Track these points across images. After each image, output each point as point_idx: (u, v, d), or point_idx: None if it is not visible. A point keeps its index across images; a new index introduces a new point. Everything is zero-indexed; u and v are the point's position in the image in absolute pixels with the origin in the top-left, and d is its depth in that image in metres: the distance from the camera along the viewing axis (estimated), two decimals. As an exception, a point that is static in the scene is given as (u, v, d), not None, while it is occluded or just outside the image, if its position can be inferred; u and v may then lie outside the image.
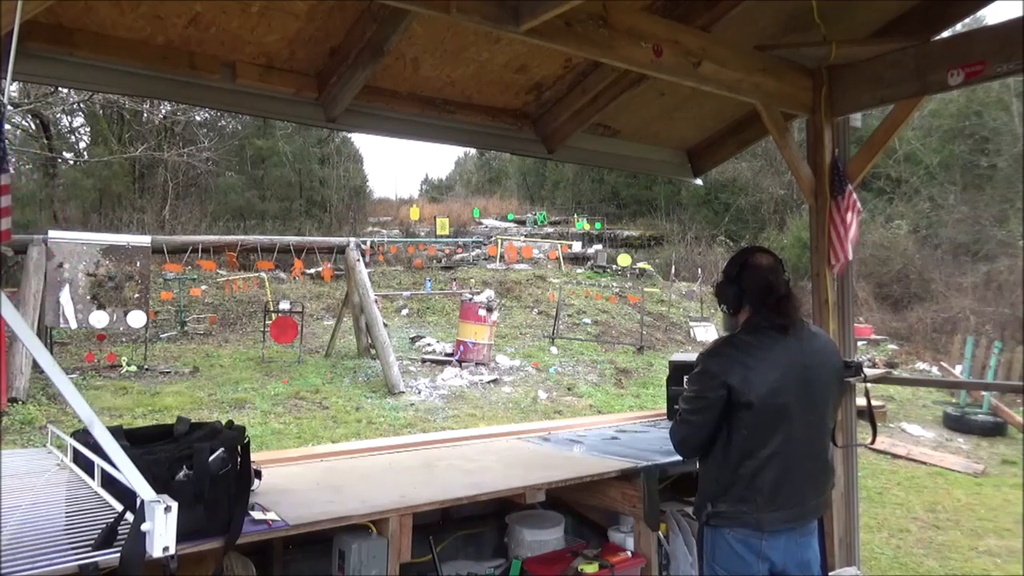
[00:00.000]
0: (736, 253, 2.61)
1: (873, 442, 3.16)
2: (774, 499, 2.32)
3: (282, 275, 16.64)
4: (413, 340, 14.33)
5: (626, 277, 19.71)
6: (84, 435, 2.21)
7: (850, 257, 3.56)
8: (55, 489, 2.26)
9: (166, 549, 1.70)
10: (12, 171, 1.72)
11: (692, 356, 2.79)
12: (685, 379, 2.51)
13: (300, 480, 2.75)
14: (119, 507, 1.90)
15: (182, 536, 1.77)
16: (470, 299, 13.18)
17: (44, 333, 10.44)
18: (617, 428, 4.08)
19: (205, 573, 2.08)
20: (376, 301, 12.27)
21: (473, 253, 21.26)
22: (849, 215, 3.54)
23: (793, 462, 2.34)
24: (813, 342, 2.46)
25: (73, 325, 10.19)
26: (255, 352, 12.83)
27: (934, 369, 13.92)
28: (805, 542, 2.44)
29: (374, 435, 8.76)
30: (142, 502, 1.72)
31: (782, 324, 2.39)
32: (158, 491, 1.75)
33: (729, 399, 2.31)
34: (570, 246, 22.23)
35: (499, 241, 21.23)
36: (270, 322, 12.53)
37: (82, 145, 22.33)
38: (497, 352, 13.36)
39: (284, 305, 13.59)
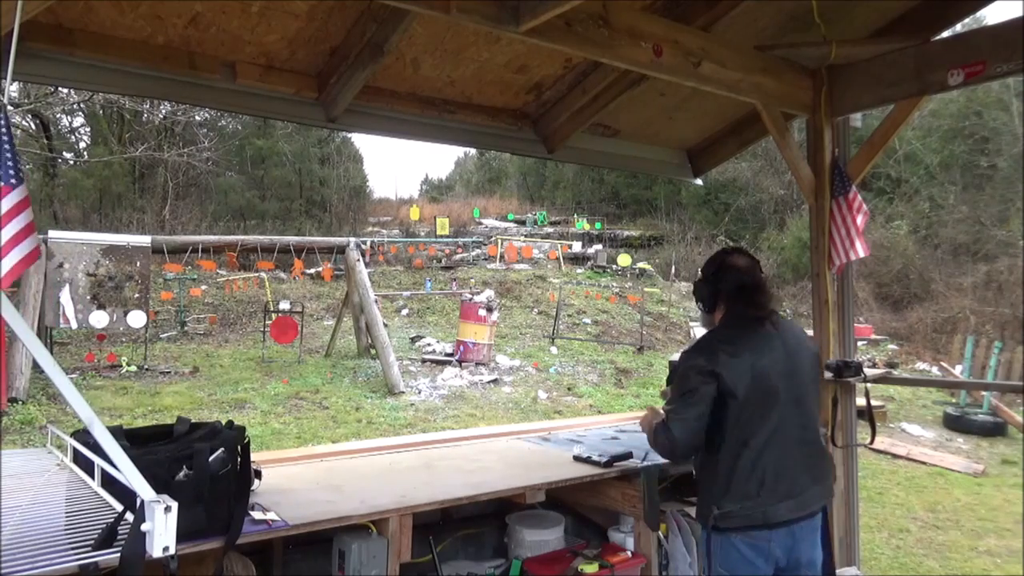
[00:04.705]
0: (714, 254, 2.68)
1: (872, 442, 3.17)
2: (776, 488, 2.34)
3: (282, 275, 16.63)
4: (413, 340, 14.33)
5: (626, 277, 19.70)
6: (84, 435, 2.20)
7: (860, 254, 3.55)
8: (55, 489, 2.26)
9: (166, 549, 1.71)
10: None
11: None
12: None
13: (300, 480, 2.74)
14: (119, 507, 1.89)
15: (182, 536, 1.77)
16: (470, 299, 13.17)
17: (44, 333, 10.44)
18: (617, 428, 4.07)
19: (205, 573, 2.08)
20: (376, 301, 12.27)
21: (473, 253, 21.24)
22: (854, 215, 3.53)
23: (788, 448, 2.38)
24: (789, 329, 2.55)
25: (73, 325, 10.20)
26: (255, 352, 12.83)
27: (934, 369, 13.92)
28: (812, 541, 2.46)
29: (374, 435, 8.75)
30: (142, 502, 1.72)
31: (758, 316, 2.47)
32: (158, 491, 1.75)
33: (718, 390, 2.34)
34: (570, 246, 22.20)
35: (499, 241, 21.21)
36: (270, 322, 12.52)
37: (82, 145, 22.40)
38: (497, 352, 13.36)
39: (284, 305, 13.60)
